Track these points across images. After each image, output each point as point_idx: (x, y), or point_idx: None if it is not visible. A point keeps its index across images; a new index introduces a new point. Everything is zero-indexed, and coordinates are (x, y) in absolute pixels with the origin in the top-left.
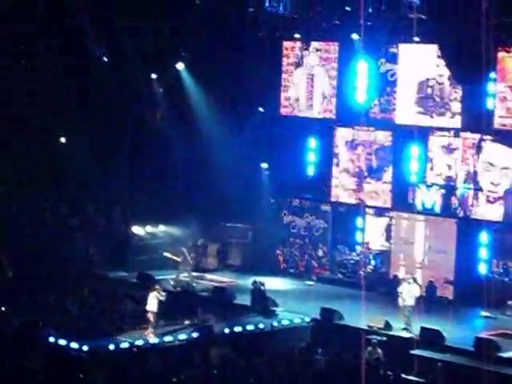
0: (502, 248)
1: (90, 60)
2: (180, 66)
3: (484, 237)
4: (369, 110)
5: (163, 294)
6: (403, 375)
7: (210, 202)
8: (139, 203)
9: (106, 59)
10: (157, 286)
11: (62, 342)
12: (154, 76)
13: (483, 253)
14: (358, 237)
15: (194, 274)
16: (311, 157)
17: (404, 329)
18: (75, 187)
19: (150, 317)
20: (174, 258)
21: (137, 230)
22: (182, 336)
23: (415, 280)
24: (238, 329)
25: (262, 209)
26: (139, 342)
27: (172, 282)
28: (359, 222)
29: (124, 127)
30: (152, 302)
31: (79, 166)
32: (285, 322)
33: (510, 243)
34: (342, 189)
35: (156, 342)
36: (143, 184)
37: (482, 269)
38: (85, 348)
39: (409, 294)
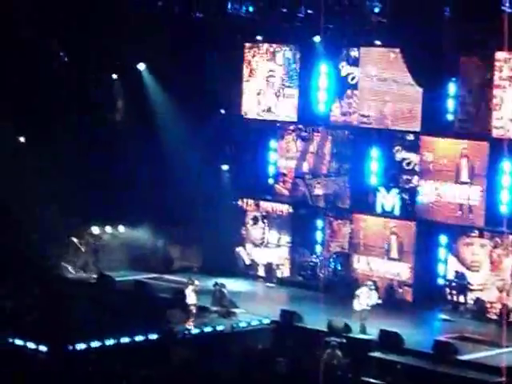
0: (460, 251)
1: (50, 60)
2: (141, 66)
3: (443, 239)
4: (329, 113)
5: (198, 285)
6: (362, 377)
7: (171, 204)
8: (98, 204)
9: (66, 59)
10: (192, 280)
11: (19, 342)
12: (114, 76)
13: (442, 255)
14: (318, 239)
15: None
16: (272, 158)
17: (361, 331)
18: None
19: (193, 309)
20: (79, 246)
21: (96, 231)
22: (140, 338)
23: (376, 287)
24: (197, 330)
25: (222, 210)
26: (98, 344)
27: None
28: (319, 223)
29: (83, 127)
30: (191, 295)
31: (38, 167)
32: (245, 324)
33: (467, 246)
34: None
35: (117, 342)
36: (102, 185)
37: (441, 272)
38: (43, 348)
39: (367, 299)
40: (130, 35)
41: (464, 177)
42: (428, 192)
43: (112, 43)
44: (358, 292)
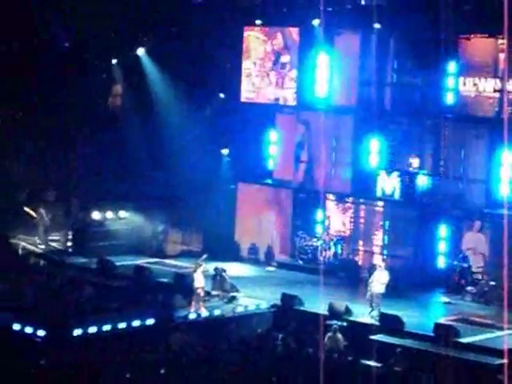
0: (461, 235)
1: (50, 46)
2: (140, 51)
3: (444, 224)
4: (329, 98)
5: (207, 268)
6: (362, 360)
7: (171, 188)
8: (99, 189)
9: (66, 45)
10: (200, 263)
11: (17, 326)
12: (114, 61)
13: (443, 240)
14: (318, 223)
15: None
16: (272, 142)
17: (370, 314)
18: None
19: (200, 292)
20: (32, 213)
21: (97, 215)
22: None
23: (384, 267)
24: (198, 315)
25: (222, 194)
26: (99, 328)
27: (38, 242)
28: (319, 208)
29: (84, 112)
30: (199, 279)
31: (40, 149)
32: (245, 308)
33: (468, 230)
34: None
35: (121, 326)
36: (103, 169)
37: (442, 255)
38: (40, 333)
39: (379, 280)
40: (129, 21)
41: None
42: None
43: (110, 28)
44: (374, 276)
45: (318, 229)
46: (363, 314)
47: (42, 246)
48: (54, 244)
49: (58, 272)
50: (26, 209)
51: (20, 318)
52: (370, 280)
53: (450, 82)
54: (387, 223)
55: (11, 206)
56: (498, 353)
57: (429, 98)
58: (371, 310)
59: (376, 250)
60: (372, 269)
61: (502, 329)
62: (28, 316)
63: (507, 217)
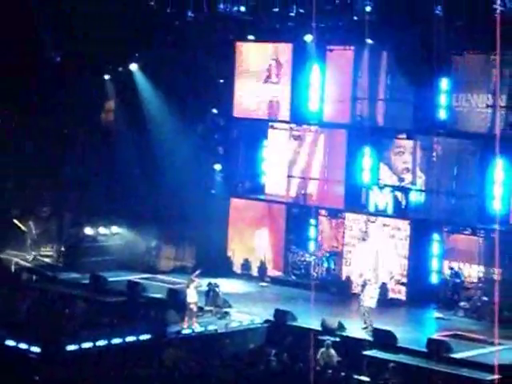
0: (453, 249)
1: (41, 60)
2: (133, 67)
3: (436, 238)
4: (322, 112)
5: (201, 284)
6: (356, 376)
7: (164, 203)
8: (92, 205)
9: (58, 59)
10: (193, 278)
11: (11, 342)
12: (106, 77)
13: (435, 254)
14: (311, 238)
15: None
16: (264, 157)
17: (364, 328)
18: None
19: (193, 307)
20: (21, 226)
21: (89, 231)
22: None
23: (374, 282)
24: (191, 330)
25: (215, 210)
26: (93, 344)
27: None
28: (312, 223)
29: (76, 128)
30: (192, 294)
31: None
32: (239, 324)
33: (461, 244)
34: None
35: (109, 343)
36: (95, 185)
37: (435, 270)
38: (35, 349)
39: (369, 295)
40: (122, 36)
41: None
42: None
43: (104, 44)
44: (365, 291)
45: (311, 244)
46: (356, 329)
47: (30, 258)
48: (46, 259)
49: (51, 287)
50: (16, 222)
51: (14, 333)
52: (362, 295)
53: (442, 98)
54: (381, 237)
55: (3, 222)
56: (490, 368)
57: (421, 113)
58: (365, 325)
59: (367, 265)
60: (364, 284)
61: (494, 344)
62: (21, 332)
63: (498, 232)
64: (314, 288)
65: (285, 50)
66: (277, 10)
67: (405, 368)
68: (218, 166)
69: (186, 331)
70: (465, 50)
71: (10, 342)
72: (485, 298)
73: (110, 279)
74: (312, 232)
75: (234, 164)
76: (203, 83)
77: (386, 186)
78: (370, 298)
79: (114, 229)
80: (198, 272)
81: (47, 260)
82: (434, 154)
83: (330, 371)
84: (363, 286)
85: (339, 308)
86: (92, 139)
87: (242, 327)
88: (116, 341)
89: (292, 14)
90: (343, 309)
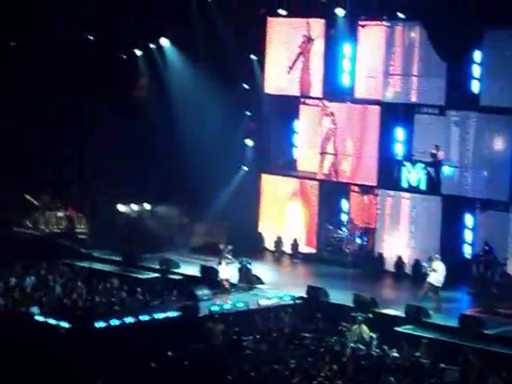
0: (485, 225)
1: (75, 38)
2: (164, 42)
3: (468, 214)
4: (354, 88)
5: (233, 260)
6: (388, 352)
7: (195, 180)
8: (124, 181)
9: (91, 37)
10: (225, 255)
11: (41, 318)
12: (138, 52)
13: (468, 231)
14: (344, 215)
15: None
16: (296, 134)
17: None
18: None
19: (226, 284)
20: (33, 201)
21: (122, 208)
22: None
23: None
24: (227, 307)
25: (246, 186)
26: (129, 320)
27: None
28: (345, 199)
29: (107, 105)
30: (224, 270)
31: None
32: (271, 300)
33: (494, 221)
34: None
35: (145, 319)
36: (127, 162)
37: (467, 246)
38: (64, 325)
39: (437, 271)
40: (154, 10)
41: None
42: None
43: (134, 19)
44: (434, 266)
45: (344, 221)
46: (389, 305)
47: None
48: (80, 236)
49: (84, 264)
50: (28, 197)
51: (45, 310)
52: (430, 270)
53: (475, 73)
54: (413, 214)
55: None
56: None
57: (454, 89)
58: (436, 306)
59: (402, 241)
60: (430, 260)
61: None
62: (54, 308)
63: None
64: (346, 265)
65: (317, 26)
66: None
67: (437, 344)
68: (249, 142)
69: (217, 308)
70: (497, 21)
71: (40, 318)
72: None
73: (143, 256)
74: (345, 208)
75: (265, 140)
76: (235, 58)
77: (418, 162)
78: (436, 274)
79: (146, 206)
80: (229, 248)
81: (81, 237)
82: (467, 129)
83: (363, 347)
84: (429, 260)
85: (371, 284)
86: (123, 115)
87: (274, 304)
88: (144, 318)
89: None
90: (375, 285)
